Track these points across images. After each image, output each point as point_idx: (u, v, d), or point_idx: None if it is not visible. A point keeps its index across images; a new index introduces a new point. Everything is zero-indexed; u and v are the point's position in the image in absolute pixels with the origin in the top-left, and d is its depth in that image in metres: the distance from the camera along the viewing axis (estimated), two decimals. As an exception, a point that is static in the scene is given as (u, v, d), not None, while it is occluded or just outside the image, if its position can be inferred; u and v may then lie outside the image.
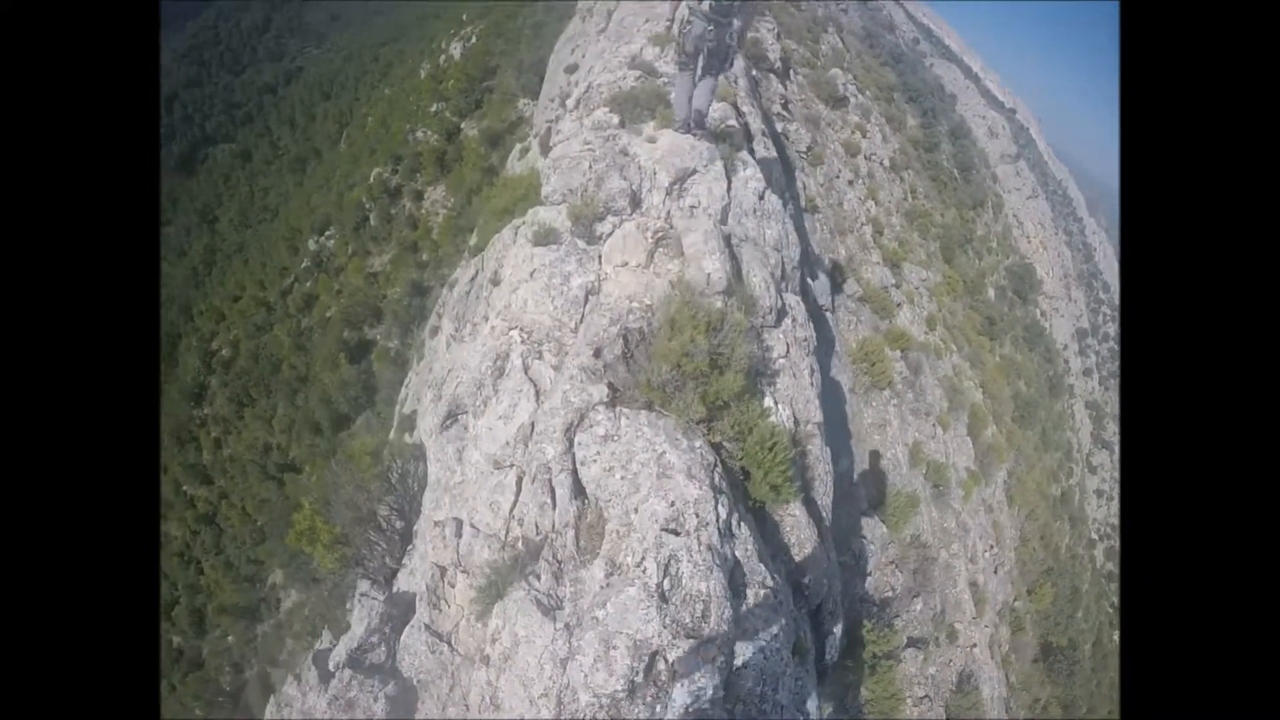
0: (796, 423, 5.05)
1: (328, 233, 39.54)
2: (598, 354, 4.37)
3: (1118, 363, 50.96)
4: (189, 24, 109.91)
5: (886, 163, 18.37)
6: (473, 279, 7.75)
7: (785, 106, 11.42)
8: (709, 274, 4.86)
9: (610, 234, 5.29)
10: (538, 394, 4.47)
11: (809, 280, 7.89)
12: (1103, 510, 37.55)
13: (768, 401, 4.70)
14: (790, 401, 5.04)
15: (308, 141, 66.25)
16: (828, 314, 8.38)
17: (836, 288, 9.81)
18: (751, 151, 6.82)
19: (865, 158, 15.08)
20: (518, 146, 19.69)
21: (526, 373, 4.63)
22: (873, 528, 8.58)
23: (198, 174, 77.92)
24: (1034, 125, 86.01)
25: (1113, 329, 54.73)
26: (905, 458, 10.20)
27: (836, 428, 8.34)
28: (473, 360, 5.01)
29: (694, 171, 5.86)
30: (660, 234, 5.10)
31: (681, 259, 5.03)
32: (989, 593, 11.41)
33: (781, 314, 5.52)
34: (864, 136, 15.37)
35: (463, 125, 31.90)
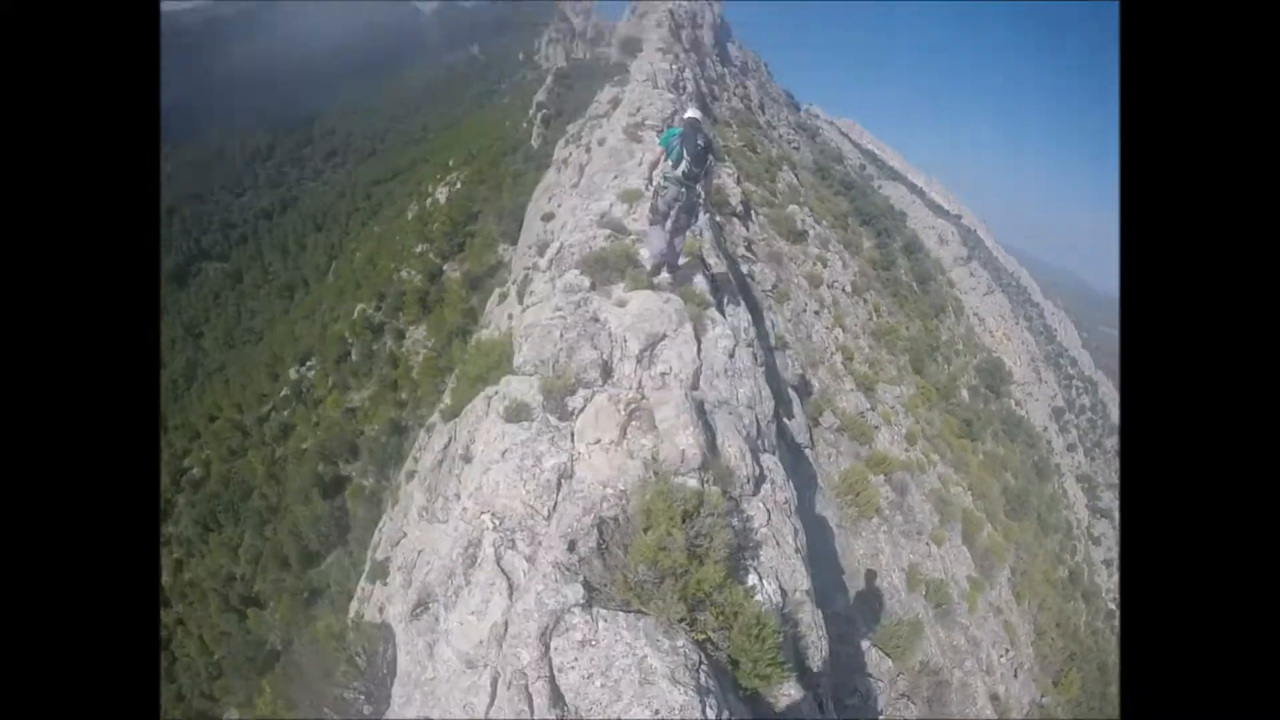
0: (784, 594, 4.80)
1: (309, 363, 39.66)
2: (572, 547, 4.17)
3: (1098, 432, 51.78)
4: (197, 137, 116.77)
5: (849, 288, 19.20)
6: (445, 447, 7.62)
7: (749, 248, 12.04)
8: (683, 450, 4.79)
9: (582, 409, 5.25)
10: (510, 589, 4.19)
11: (785, 421, 7.87)
12: (1113, 578, 36.78)
13: (751, 579, 4.47)
14: (775, 573, 4.81)
15: (297, 270, 68.33)
16: (806, 450, 8.30)
17: (813, 421, 9.82)
18: (720, 303, 6.99)
19: (828, 286, 15.80)
20: (496, 291, 20.35)
21: (499, 563, 4.37)
22: (878, 662, 8.03)
23: (188, 287, 79.15)
24: (980, 227, 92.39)
25: (1088, 400, 55.93)
26: (902, 583, 9.76)
27: (827, 565, 8.01)
28: (444, 545, 4.82)
29: (663, 336, 5.98)
30: (633, 406, 5.09)
31: (655, 434, 4.96)
32: (1013, 698, 10.65)
33: (760, 480, 5.43)
34: (825, 266, 16.19)
35: (445, 267, 33.23)
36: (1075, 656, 14.06)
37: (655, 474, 4.50)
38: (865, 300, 22.61)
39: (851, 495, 9.57)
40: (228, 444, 38.12)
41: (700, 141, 5.99)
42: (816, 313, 13.50)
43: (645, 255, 6.72)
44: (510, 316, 10.23)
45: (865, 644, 7.93)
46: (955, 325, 36.69)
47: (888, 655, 8.07)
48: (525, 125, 46.55)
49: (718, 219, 12.06)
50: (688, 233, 6.91)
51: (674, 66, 24.23)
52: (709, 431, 5.24)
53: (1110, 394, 59.95)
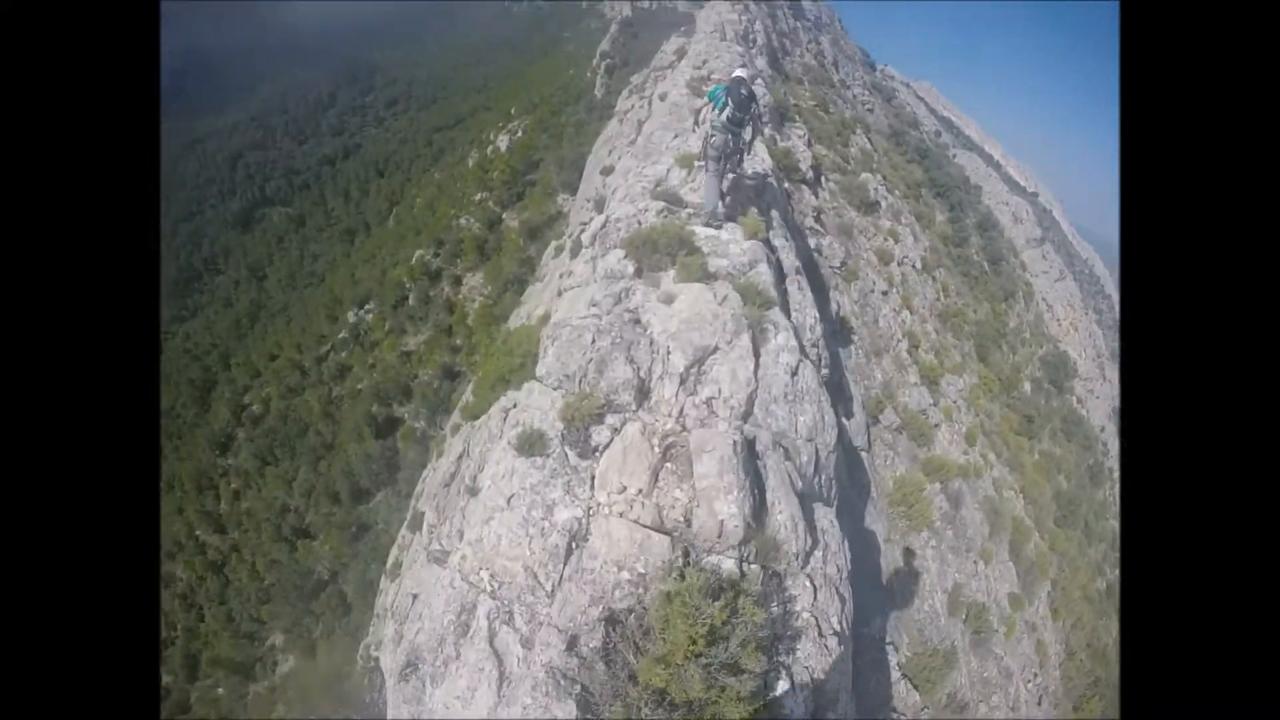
0: (817, 706, 4.12)
1: (367, 307, 40.52)
2: (572, 645, 3.57)
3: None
4: (260, 89, 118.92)
5: (919, 264, 17.93)
6: (459, 460, 7.24)
7: (818, 219, 11.14)
8: (723, 521, 3.96)
9: (608, 444, 4.40)
10: (500, 679, 3.62)
11: (844, 421, 7.20)
12: None
13: (782, 685, 3.74)
14: (810, 678, 3.97)
15: (359, 215, 69.34)
16: (863, 453, 7.62)
17: (872, 419, 9.10)
18: (784, 297, 6.22)
19: (898, 263, 14.67)
20: (553, 244, 19.95)
21: (491, 642, 3.78)
22: (905, 695, 7.54)
23: (253, 231, 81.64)
24: (1057, 207, 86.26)
25: None
26: (944, 605, 9.17)
27: (870, 583, 7.48)
28: (438, 600, 4.25)
29: (714, 350, 5.00)
30: (669, 441, 4.27)
31: (691, 487, 4.09)
32: (1031, 726, 10.07)
33: (810, 550, 4.52)
34: (896, 242, 15.01)
35: (504, 215, 32.89)
36: (1100, 682, 13.40)
37: (683, 566, 3.68)
38: (934, 278, 21.19)
39: (905, 506, 8.98)
40: (287, 382, 39.64)
41: (744, 90, 6.46)
42: (885, 293, 12.52)
43: (699, 202, 6.99)
44: (553, 294, 9.48)
45: (895, 674, 7.40)
46: (1024, 312, 34.43)
47: (916, 688, 7.57)
48: (589, 75, 45.18)
49: (786, 186, 11.12)
50: (751, 211, 7.08)
51: (743, 18, 22.64)
52: (757, 489, 4.34)
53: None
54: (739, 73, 6.82)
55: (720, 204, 6.92)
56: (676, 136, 9.71)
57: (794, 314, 5.69)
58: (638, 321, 5.03)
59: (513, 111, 47.67)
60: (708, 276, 5.34)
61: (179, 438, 43.58)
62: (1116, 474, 37.69)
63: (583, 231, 14.43)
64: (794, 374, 5.13)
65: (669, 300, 5.16)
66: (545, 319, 7.21)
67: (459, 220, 35.40)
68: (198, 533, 36.23)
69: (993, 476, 13.94)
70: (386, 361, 35.03)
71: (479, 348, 29.27)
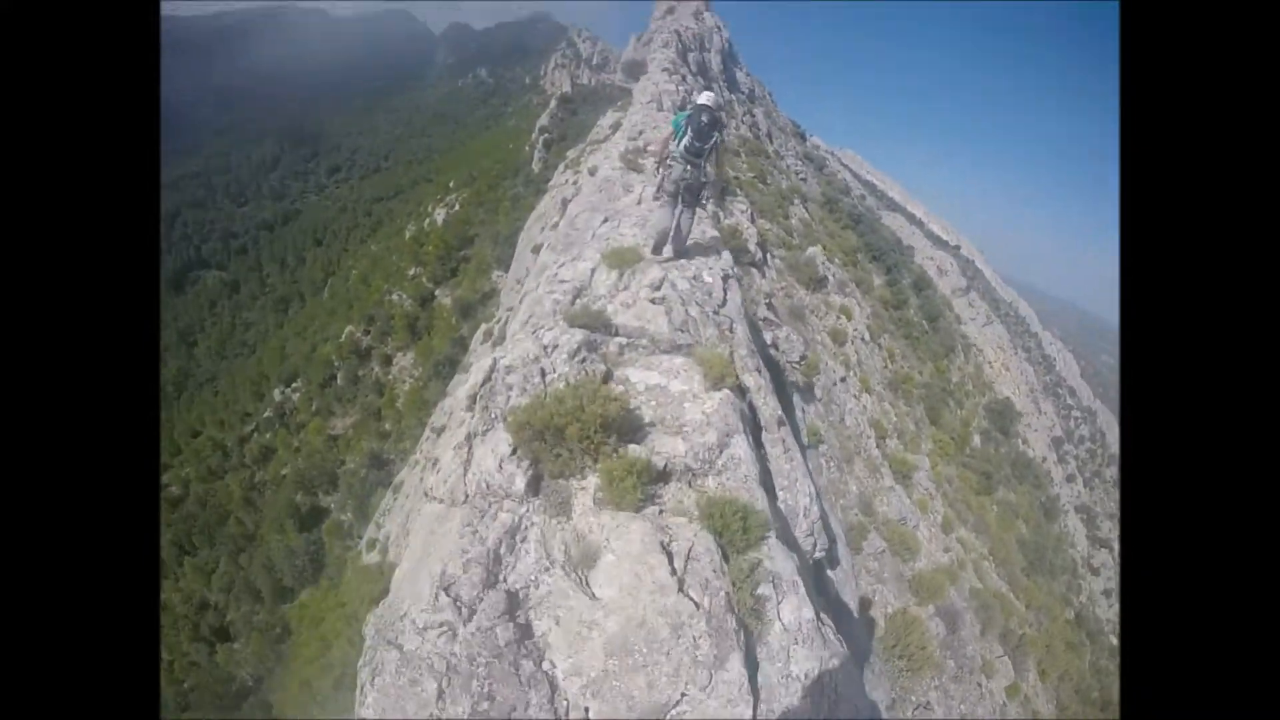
0: None
1: (294, 385, 37.25)
2: None
3: (1097, 462, 50.46)
4: (202, 144, 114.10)
5: (866, 335, 16.99)
6: None
7: (770, 306, 9.88)
8: None
9: None
10: None
11: (829, 574, 5.42)
12: (1115, 608, 36.00)
13: None
14: None
15: (294, 284, 65.88)
16: (850, 604, 5.92)
17: (855, 549, 7.51)
18: (770, 485, 4.00)
19: (851, 341, 13.60)
20: (482, 328, 18.16)
21: None
22: None
23: (185, 294, 76.47)
24: (978, 256, 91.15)
25: (1086, 430, 54.10)
26: None
27: None
28: None
29: (677, 702, 2.28)
30: None
31: None
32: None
33: None
34: (849, 319, 13.97)
35: (437, 292, 30.93)
36: None
37: None
38: (880, 345, 20.49)
39: (904, 658, 7.42)
40: (208, 463, 35.78)
41: (705, 119, 5.86)
42: (843, 379, 11.28)
43: (655, 231, 6.33)
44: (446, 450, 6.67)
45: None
46: (964, 364, 34.60)
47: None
48: (527, 149, 44.64)
49: (735, 270, 9.67)
50: (686, 228, 6.37)
51: (680, 88, 22.18)
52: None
53: (1109, 423, 58.36)
54: (703, 99, 6.07)
55: (673, 240, 6.25)
56: (606, 221, 8.07)
57: (782, 496, 3.94)
58: (524, 642, 2.31)
59: (450, 185, 46.51)
60: (651, 494, 2.97)
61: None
62: (1067, 505, 38.58)
63: (507, 321, 12.39)
64: (798, 640, 2.62)
65: (586, 563, 2.60)
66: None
67: (391, 296, 33.24)
68: (110, 630, 32.01)
69: (972, 560, 12.82)
70: (312, 446, 31.82)
71: (407, 434, 26.86)
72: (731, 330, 5.18)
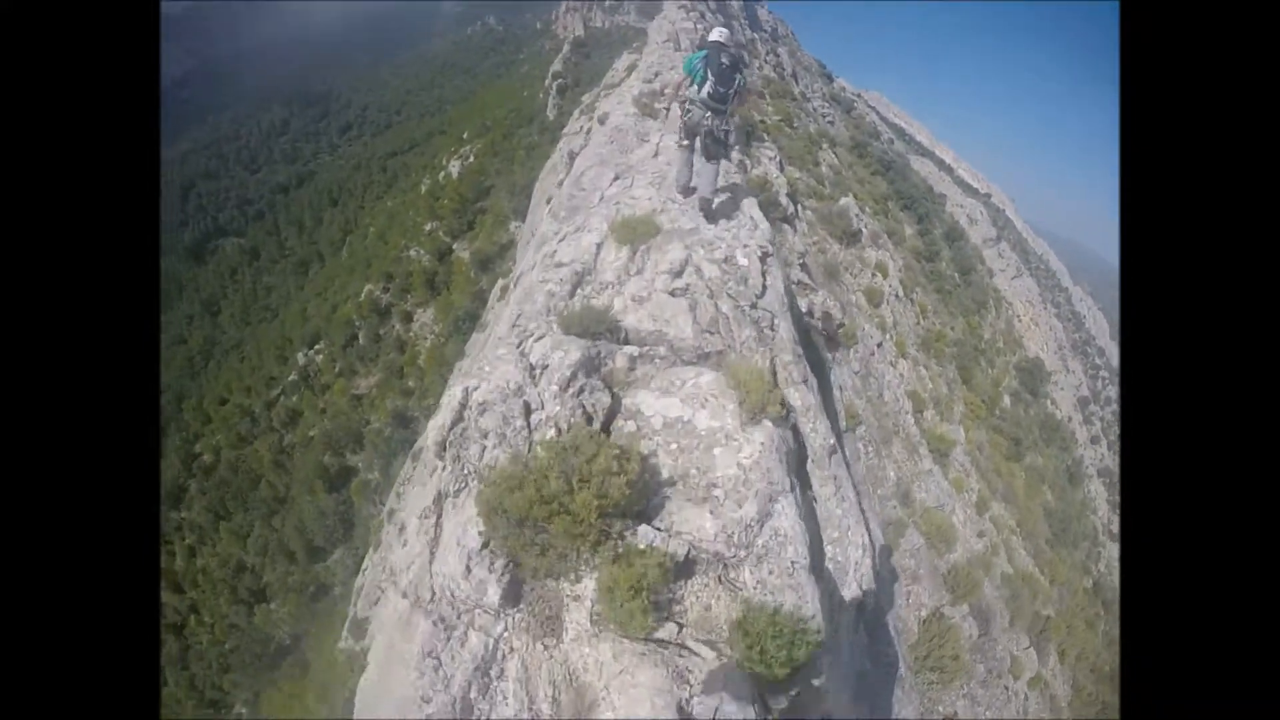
0: None
1: (317, 346, 37.10)
2: None
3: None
4: (211, 118, 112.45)
5: (900, 291, 15.89)
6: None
7: (804, 267, 8.90)
8: None
9: None
10: None
11: (864, 588, 4.71)
12: None
13: None
14: None
15: (312, 245, 65.29)
16: (890, 619, 5.29)
17: (892, 545, 6.84)
18: (818, 551, 3.25)
19: (887, 301, 12.57)
20: (499, 284, 17.37)
21: None
22: None
23: (206, 264, 76.62)
24: (1009, 206, 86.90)
25: (1113, 392, 52.44)
26: None
27: None
28: None
29: None
30: None
31: None
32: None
33: None
34: (885, 276, 12.88)
35: (455, 246, 29.96)
36: (1107, 706, 12.74)
37: None
38: (912, 300, 19.33)
39: (937, 671, 6.84)
40: (236, 430, 36.09)
41: (725, 60, 5.23)
42: (879, 345, 10.34)
43: (675, 177, 5.93)
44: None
45: None
46: (996, 320, 33.05)
47: None
48: (541, 96, 42.61)
49: (776, 245, 8.52)
50: (716, 182, 5.75)
51: (698, 25, 20.41)
52: None
53: (1139, 384, 56.35)
54: (716, 35, 5.40)
55: (706, 191, 5.66)
56: (617, 179, 6.83)
57: (831, 552, 3.04)
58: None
59: (465, 136, 44.80)
60: (668, 598, 2.28)
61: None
62: (1090, 468, 37.87)
63: (516, 282, 11.41)
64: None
65: (581, 714, 2.03)
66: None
67: (409, 252, 32.42)
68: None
69: (1003, 539, 12.18)
70: (337, 406, 31.83)
71: (430, 391, 26.53)
72: (773, 328, 4.15)
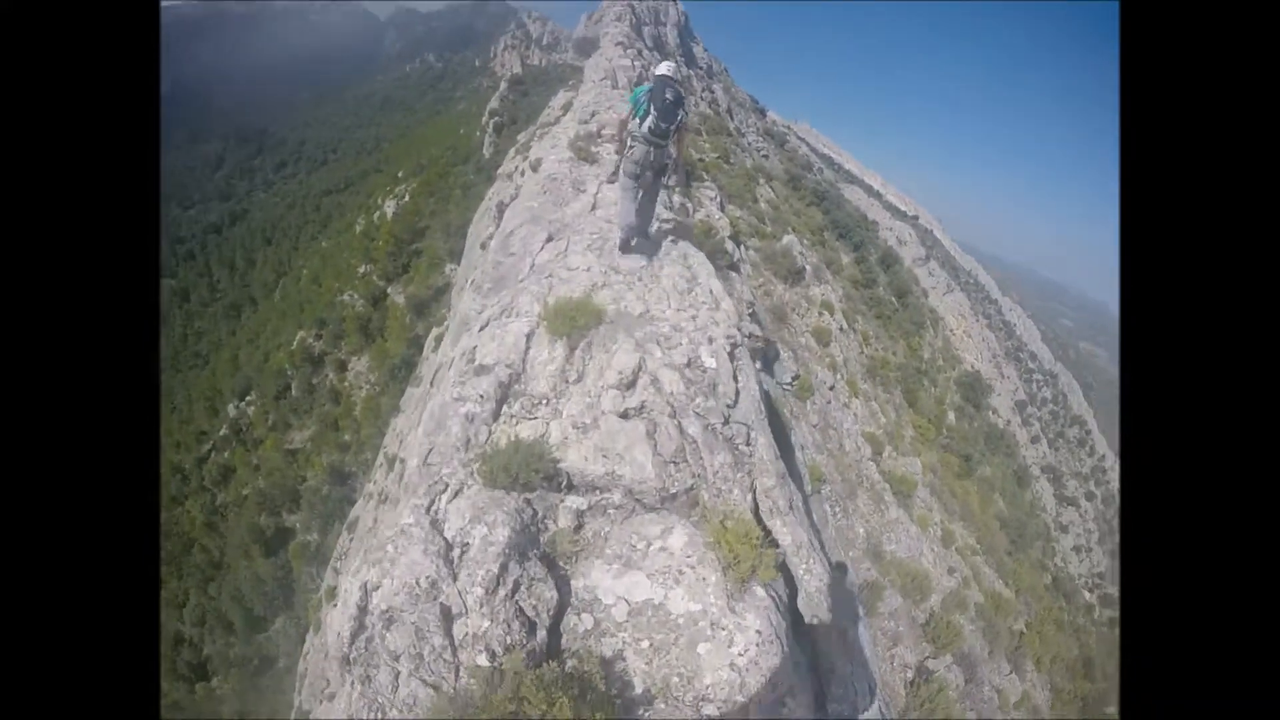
0: None
1: (248, 398, 34.55)
2: None
3: (1060, 422, 51.67)
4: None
5: (844, 323, 15.77)
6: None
7: (753, 316, 8.45)
8: None
9: None
10: None
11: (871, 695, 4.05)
12: (1085, 563, 36.20)
13: None
14: None
15: (245, 288, 61.74)
16: (878, 698, 4.62)
17: (869, 610, 6.26)
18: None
19: (834, 340, 12.30)
20: (433, 333, 16.32)
21: None
22: None
23: None
24: (936, 226, 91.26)
25: (1049, 392, 54.89)
26: None
27: None
28: None
29: None
30: None
31: None
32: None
33: None
34: (831, 314, 12.65)
35: (389, 290, 28.52)
36: (1086, 697, 12.72)
37: None
38: (855, 329, 19.37)
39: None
40: (167, 489, 32.90)
41: (669, 95, 5.16)
42: (832, 387, 9.98)
43: (616, 226, 5.84)
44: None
45: None
46: (934, 339, 33.95)
47: None
48: (478, 134, 41.88)
49: (746, 333, 7.92)
50: (649, 219, 5.89)
51: (635, 63, 20.24)
52: None
53: (1070, 385, 59.34)
54: (663, 69, 5.34)
55: (645, 225, 5.73)
56: (550, 240, 6.13)
57: (833, 711, 2.38)
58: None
59: (400, 175, 43.44)
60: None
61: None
62: (1034, 468, 39.30)
63: (433, 379, 10.58)
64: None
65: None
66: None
67: (342, 297, 30.72)
68: (85, 671, 29.63)
69: (970, 566, 11.97)
70: (271, 463, 29.49)
71: (367, 445, 24.85)
72: (749, 443, 3.34)
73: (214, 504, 31.99)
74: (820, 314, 12.16)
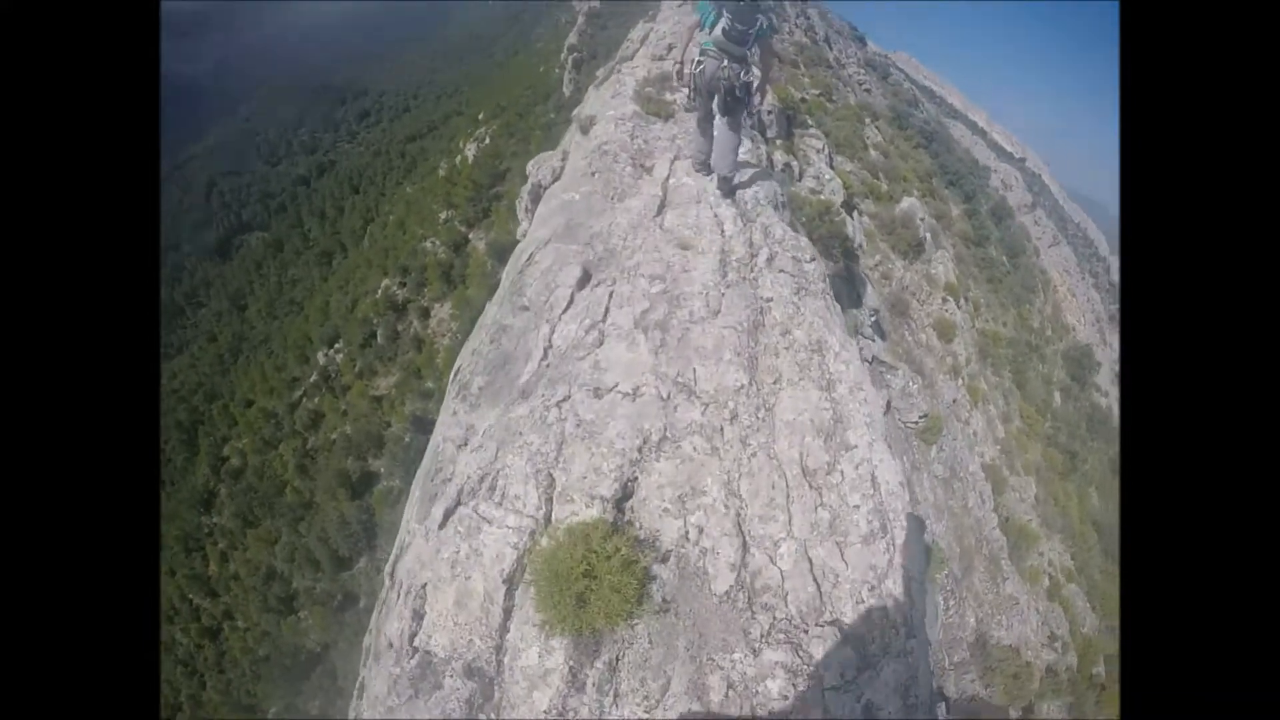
0: None
1: (336, 345, 35.63)
2: None
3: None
4: (228, 116, 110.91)
5: (963, 299, 13.23)
6: None
7: (876, 325, 6.51)
8: None
9: None
10: None
11: None
12: None
13: None
14: None
15: (335, 235, 63.74)
16: None
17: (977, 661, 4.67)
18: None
19: (959, 334, 10.03)
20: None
21: None
22: None
23: (232, 260, 76.06)
24: (1044, 170, 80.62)
25: None
26: None
27: None
28: None
29: None
30: None
31: None
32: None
33: None
34: (955, 300, 10.34)
35: (470, 236, 27.69)
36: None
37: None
38: (966, 299, 16.58)
39: None
40: (261, 434, 35.13)
41: None
42: (955, 400, 7.94)
43: (690, 146, 4.90)
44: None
45: None
46: (1044, 305, 29.72)
47: None
48: (557, 71, 39.53)
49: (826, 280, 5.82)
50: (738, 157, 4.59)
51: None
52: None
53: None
54: None
55: (725, 164, 4.64)
56: (584, 281, 4.17)
57: None
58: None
59: (480, 117, 42.01)
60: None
61: (170, 485, 39.54)
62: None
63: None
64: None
65: None
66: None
67: (425, 243, 30.32)
68: (190, 596, 32.52)
69: (1069, 621, 9.79)
70: (358, 409, 30.43)
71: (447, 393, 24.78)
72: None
73: (305, 448, 33.67)
74: (944, 300, 9.91)
